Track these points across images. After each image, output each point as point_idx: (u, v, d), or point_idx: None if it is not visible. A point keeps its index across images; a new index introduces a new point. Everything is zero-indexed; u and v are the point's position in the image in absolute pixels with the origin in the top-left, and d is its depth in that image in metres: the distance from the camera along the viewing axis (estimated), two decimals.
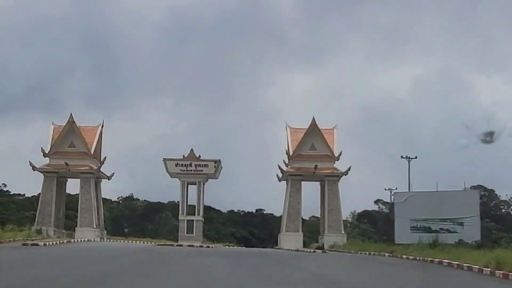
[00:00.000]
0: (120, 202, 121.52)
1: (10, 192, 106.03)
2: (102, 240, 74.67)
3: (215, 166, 75.00)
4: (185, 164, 74.95)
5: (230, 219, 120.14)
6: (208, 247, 64.06)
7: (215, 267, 26.65)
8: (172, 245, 65.04)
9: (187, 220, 74.91)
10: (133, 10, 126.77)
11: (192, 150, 75.91)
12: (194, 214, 75.60)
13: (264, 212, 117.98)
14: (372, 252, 50.70)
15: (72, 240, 63.28)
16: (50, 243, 51.09)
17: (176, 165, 75.11)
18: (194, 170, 74.98)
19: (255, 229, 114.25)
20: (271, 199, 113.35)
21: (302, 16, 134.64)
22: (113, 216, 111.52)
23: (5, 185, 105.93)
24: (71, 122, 74.97)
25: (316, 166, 72.86)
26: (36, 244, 48.00)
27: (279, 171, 77.22)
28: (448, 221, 52.03)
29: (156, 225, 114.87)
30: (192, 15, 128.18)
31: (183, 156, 75.60)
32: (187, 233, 74.46)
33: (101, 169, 77.00)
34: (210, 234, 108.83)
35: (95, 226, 74.21)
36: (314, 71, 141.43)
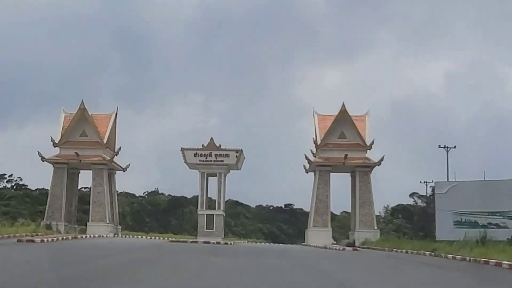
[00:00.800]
0: (146, 196, 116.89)
1: (26, 185, 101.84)
2: (116, 236, 69.53)
3: (236, 156, 69.24)
4: (204, 154, 69.30)
5: (258, 214, 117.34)
6: (227, 243, 58.40)
7: (213, 272, 20.88)
8: (186, 241, 59.15)
9: (207, 214, 69.21)
10: (163, 6, 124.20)
11: (212, 139, 70.24)
12: (215, 208, 69.87)
13: (294, 207, 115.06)
14: (409, 251, 44.53)
15: (80, 236, 58.13)
16: (50, 239, 45.80)
17: (195, 155, 69.51)
18: (214, 161, 69.30)
19: (284, 225, 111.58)
20: (300, 193, 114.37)
21: (333, 11, 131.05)
22: (135, 211, 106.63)
23: (20, 179, 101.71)
24: (82, 109, 69.71)
25: (346, 155, 66.77)
26: (32, 241, 42.79)
27: (306, 162, 71.42)
28: (497, 214, 45.56)
29: (179, 220, 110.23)
30: (222, 11, 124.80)
31: (202, 145, 69.96)
32: (206, 228, 68.80)
33: (116, 161, 71.72)
34: (236, 230, 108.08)
35: (108, 221, 68.99)
36: (345, 66, 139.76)
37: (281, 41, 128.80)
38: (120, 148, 73.75)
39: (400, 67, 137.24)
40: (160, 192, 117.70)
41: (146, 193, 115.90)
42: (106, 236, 65.67)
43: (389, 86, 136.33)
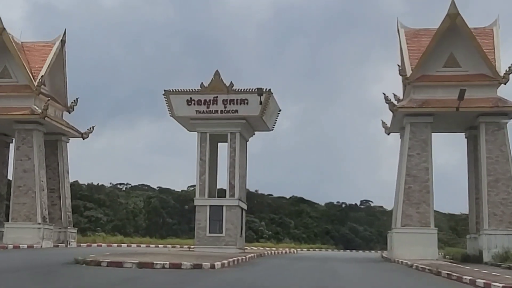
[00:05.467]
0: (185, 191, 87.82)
1: None
2: (61, 244, 40.85)
3: (261, 101, 38.70)
4: (204, 101, 39.15)
5: (327, 213, 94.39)
6: (244, 259, 27.61)
7: None
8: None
9: (211, 206, 38.98)
10: (236, 9, 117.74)
11: (217, 72, 39.96)
12: (225, 196, 39.72)
13: (372, 204, 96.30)
14: None
15: None
16: None
17: (189, 102, 39.47)
18: (222, 111, 39.04)
19: (359, 226, 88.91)
20: (379, 189, 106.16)
21: (410, 11, 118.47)
22: (151, 209, 77.10)
23: None
24: (0, 29, 40.75)
25: (462, 92, 35.30)
26: None
27: (382, 123, 42.38)
28: None
29: None
30: (296, 12, 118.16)
31: (201, 85, 39.81)
32: (210, 231, 38.63)
33: (67, 118, 42.74)
34: (296, 233, 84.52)
35: (39, 221, 39.69)
36: None
37: (356, 41, 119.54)
38: (76, 101, 44.49)
39: None
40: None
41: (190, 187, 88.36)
42: (34, 247, 36.86)
43: None
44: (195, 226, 39.29)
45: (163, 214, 77.00)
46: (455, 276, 20.91)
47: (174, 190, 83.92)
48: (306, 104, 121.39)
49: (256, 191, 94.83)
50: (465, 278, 19.85)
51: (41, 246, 38.77)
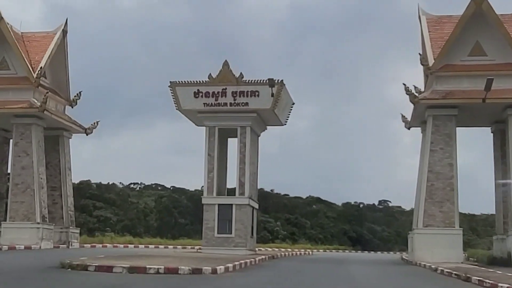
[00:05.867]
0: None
1: None
2: (62, 245, 38.70)
3: (272, 93, 36.19)
4: (213, 93, 36.71)
5: (344, 213, 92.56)
6: (253, 261, 25.13)
7: None
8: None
9: (219, 205, 36.56)
10: (253, 9, 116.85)
11: (226, 62, 37.53)
12: (234, 194, 37.28)
13: (390, 205, 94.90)
14: None
15: None
16: None
17: (197, 94, 37.06)
18: (231, 104, 36.57)
19: (377, 226, 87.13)
20: (397, 190, 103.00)
21: (428, 10, 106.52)
22: (162, 208, 74.87)
23: None
24: None
25: (489, 82, 32.63)
26: None
27: (402, 117, 39.80)
28: None
29: None
30: (313, 11, 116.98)
31: (209, 76, 37.39)
32: (219, 231, 36.21)
33: (75, 116, 40.67)
34: (312, 233, 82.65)
35: (38, 220, 37.44)
36: None
37: (373, 40, 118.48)
38: (79, 94, 42.29)
39: None
40: None
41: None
42: (32, 248, 34.71)
43: None
44: (203, 226, 36.86)
45: (174, 214, 74.65)
46: (489, 283, 18.28)
47: (187, 189, 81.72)
48: (323, 104, 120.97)
49: (271, 190, 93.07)
50: (501, 286, 17.26)
51: (40, 247, 36.56)
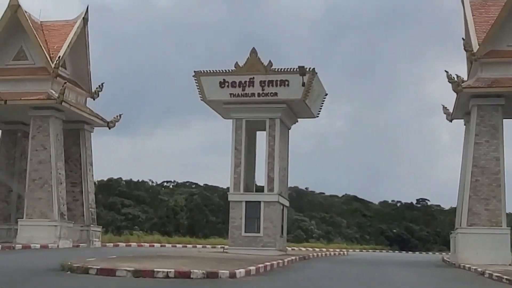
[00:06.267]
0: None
1: None
2: (78, 245, 36.68)
3: (303, 82, 33.65)
4: (240, 83, 34.31)
5: (381, 212, 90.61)
6: (282, 262, 22.64)
7: None
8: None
9: (247, 202, 34.17)
10: (288, 8, 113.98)
11: (253, 50, 35.13)
12: (263, 191, 34.89)
13: (428, 203, 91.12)
14: None
15: None
16: None
17: (222, 84, 34.71)
18: (260, 94, 34.13)
19: (415, 226, 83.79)
20: (436, 189, 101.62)
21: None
22: (193, 206, 72.68)
23: None
24: (14, 6, 36.84)
25: None
26: None
27: (443, 108, 36.79)
28: None
29: None
30: (348, 9, 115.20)
31: (236, 65, 35.01)
32: (246, 230, 33.86)
33: (96, 109, 38.80)
34: (348, 232, 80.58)
35: (57, 217, 35.49)
36: None
37: (411, 38, 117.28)
38: (101, 86, 40.35)
39: None
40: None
41: None
42: (49, 247, 32.81)
43: None
44: (229, 225, 34.54)
45: (206, 212, 72.43)
46: None
47: (220, 187, 79.57)
48: (359, 102, 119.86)
49: (306, 188, 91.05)
50: None
51: (58, 246, 34.61)
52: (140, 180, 75.59)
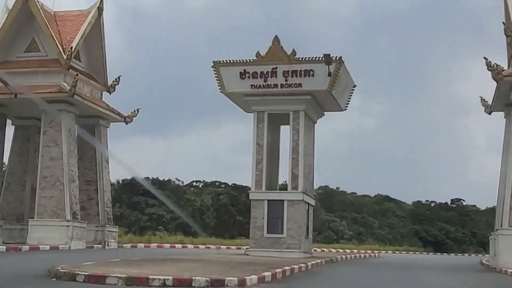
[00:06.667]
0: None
1: None
2: (92, 246, 34.83)
3: (329, 72, 31.24)
4: (261, 74, 32.02)
5: (415, 213, 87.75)
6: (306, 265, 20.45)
7: None
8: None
9: (269, 201, 31.89)
10: (322, 10, 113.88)
11: (276, 38, 32.83)
12: (286, 189, 32.62)
13: (463, 203, 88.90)
14: None
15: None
16: None
17: (243, 75, 32.45)
18: (283, 85, 31.82)
19: (450, 227, 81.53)
20: (470, 189, 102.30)
21: (499, 4, 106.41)
22: (220, 206, 70.78)
23: None
24: None
25: None
26: None
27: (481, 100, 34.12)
28: None
29: None
30: (381, 8, 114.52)
31: (257, 55, 32.70)
32: (268, 230, 31.59)
33: (112, 103, 36.91)
34: (380, 233, 78.52)
35: (69, 217, 33.56)
36: None
37: (443, 37, 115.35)
38: (118, 80, 38.43)
39: None
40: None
41: None
42: (60, 248, 30.98)
43: None
44: (250, 225, 32.28)
45: (233, 212, 70.28)
46: None
47: (248, 187, 77.33)
48: (392, 102, 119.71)
49: (337, 188, 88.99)
50: None
51: (69, 247, 32.68)
52: (166, 179, 73.68)
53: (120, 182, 68.02)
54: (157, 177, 71.55)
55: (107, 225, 37.36)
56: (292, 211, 31.79)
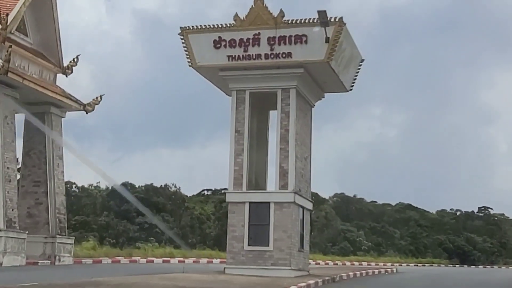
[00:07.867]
0: None
1: None
2: (37, 262, 28.04)
3: (327, 38, 24.09)
4: (241, 42, 25.10)
5: (439, 222, 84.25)
6: None
7: None
8: None
9: (251, 203, 24.74)
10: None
11: None
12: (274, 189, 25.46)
13: (491, 212, 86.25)
14: None
15: None
16: None
17: (217, 43, 25.48)
18: (267, 55, 24.78)
19: (477, 237, 78.66)
20: (498, 197, 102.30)
21: None
22: (220, 215, 63.76)
23: None
24: None
25: None
26: None
27: None
28: None
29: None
30: (402, 16, 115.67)
31: (235, 18, 25.66)
32: (250, 242, 24.49)
33: (70, 89, 30.43)
34: (402, 244, 74.37)
35: (2, 226, 26.69)
36: None
37: (465, 45, 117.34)
38: (76, 60, 31.68)
39: None
40: None
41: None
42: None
43: None
44: (227, 235, 25.20)
45: None
46: None
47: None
48: (413, 111, 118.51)
49: (354, 196, 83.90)
50: None
51: (1, 263, 25.80)
52: (162, 185, 66.62)
53: (109, 188, 61.31)
54: (152, 183, 64.53)
55: (58, 236, 30.39)
56: (280, 216, 24.69)
